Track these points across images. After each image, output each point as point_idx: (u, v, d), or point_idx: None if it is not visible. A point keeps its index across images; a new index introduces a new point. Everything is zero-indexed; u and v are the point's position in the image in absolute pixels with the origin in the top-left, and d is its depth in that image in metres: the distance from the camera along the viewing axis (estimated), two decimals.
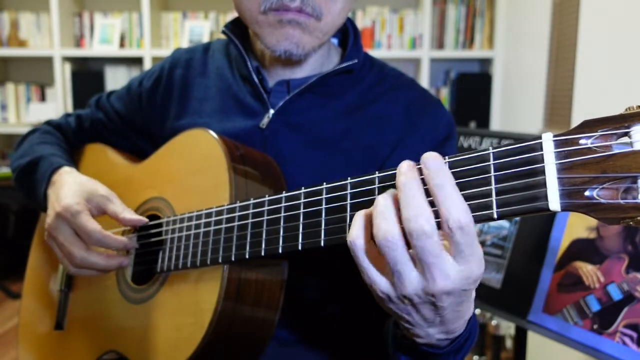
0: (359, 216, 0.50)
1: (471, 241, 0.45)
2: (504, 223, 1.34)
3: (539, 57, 2.22)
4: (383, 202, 0.47)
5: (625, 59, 1.53)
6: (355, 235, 0.49)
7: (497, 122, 2.85)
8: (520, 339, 1.35)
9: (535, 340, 1.81)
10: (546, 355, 1.88)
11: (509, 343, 2.32)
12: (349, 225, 0.53)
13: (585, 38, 1.77)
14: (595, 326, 1.04)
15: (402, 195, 0.46)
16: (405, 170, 0.47)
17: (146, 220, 0.80)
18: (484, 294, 1.31)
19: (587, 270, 1.08)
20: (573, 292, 1.09)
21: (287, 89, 0.86)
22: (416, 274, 0.47)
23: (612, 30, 1.61)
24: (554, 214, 1.18)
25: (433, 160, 0.45)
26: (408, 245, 0.47)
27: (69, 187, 0.82)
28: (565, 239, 1.15)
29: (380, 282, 0.50)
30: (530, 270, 1.19)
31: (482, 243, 1.39)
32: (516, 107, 2.59)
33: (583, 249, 1.11)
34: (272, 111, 0.84)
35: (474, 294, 0.53)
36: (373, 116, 0.84)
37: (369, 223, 0.49)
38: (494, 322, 1.76)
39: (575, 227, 1.14)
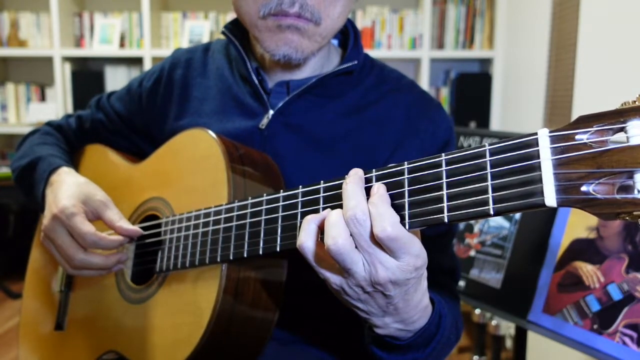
0: (307, 222, 0.55)
1: (401, 245, 0.50)
2: (504, 223, 1.34)
3: (539, 57, 2.21)
4: (335, 215, 0.52)
5: (625, 59, 1.52)
6: (304, 239, 0.54)
7: (497, 122, 2.85)
8: (520, 339, 1.34)
9: (535, 340, 1.81)
10: (546, 355, 1.88)
11: (509, 343, 2.32)
12: None
13: (585, 38, 1.77)
14: (595, 326, 1.03)
15: (346, 193, 0.52)
16: (353, 174, 0.54)
17: (141, 231, 0.81)
18: (484, 294, 1.31)
19: (587, 270, 1.08)
20: (573, 292, 1.09)
21: (286, 90, 0.86)
22: (363, 268, 0.52)
23: (612, 31, 1.60)
24: (554, 212, 1.18)
25: (379, 187, 0.53)
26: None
27: (67, 189, 0.82)
28: (565, 239, 1.14)
29: (331, 277, 0.55)
30: (530, 270, 1.19)
31: (482, 243, 1.38)
32: (516, 107, 2.59)
33: (583, 249, 1.11)
34: (271, 112, 0.84)
35: (424, 284, 0.58)
36: (373, 118, 0.83)
37: (319, 229, 0.55)
38: (494, 322, 1.76)
39: (576, 227, 1.14)
